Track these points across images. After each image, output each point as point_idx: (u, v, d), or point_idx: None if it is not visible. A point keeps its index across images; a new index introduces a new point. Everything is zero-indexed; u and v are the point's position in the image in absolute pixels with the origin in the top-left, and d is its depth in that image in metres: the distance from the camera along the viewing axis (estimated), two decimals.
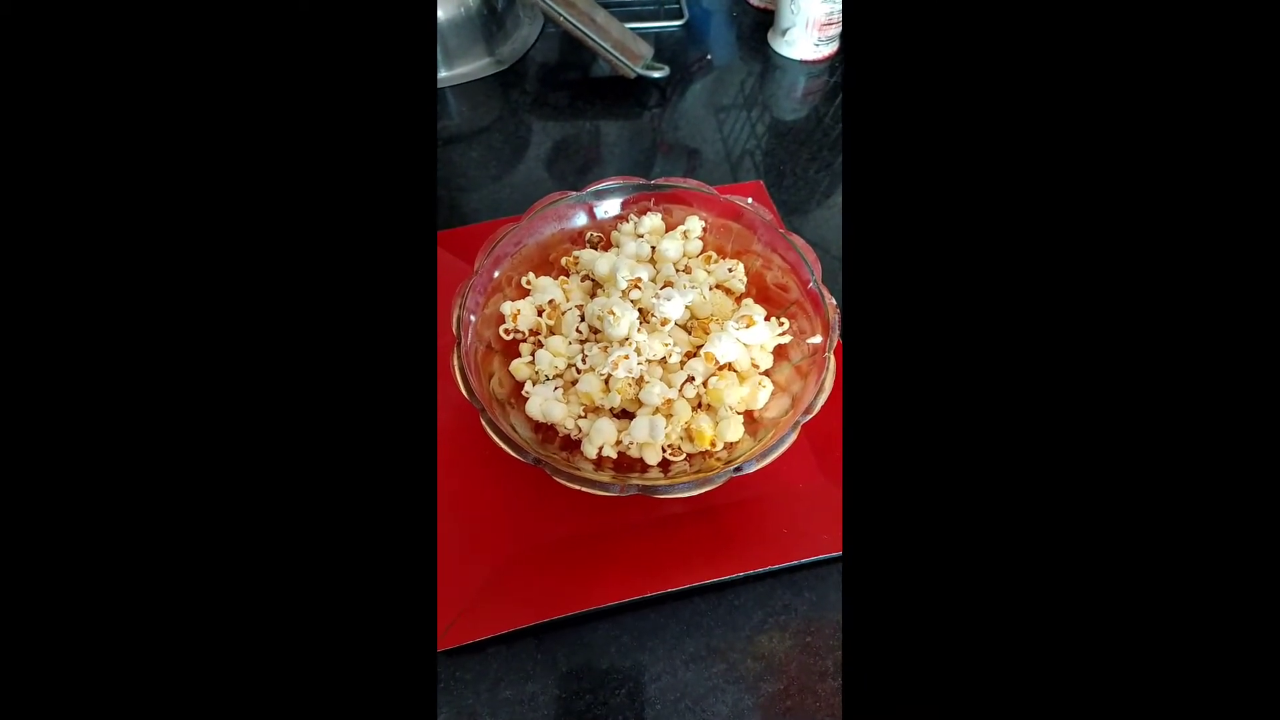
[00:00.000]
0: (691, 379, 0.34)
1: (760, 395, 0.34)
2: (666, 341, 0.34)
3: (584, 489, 0.30)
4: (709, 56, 0.65)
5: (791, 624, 0.34)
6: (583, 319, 0.36)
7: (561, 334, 0.36)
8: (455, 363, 0.32)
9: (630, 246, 0.39)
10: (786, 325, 0.36)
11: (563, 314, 0.37)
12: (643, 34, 0.67)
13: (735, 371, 0.35)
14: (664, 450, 0.33)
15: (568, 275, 0.40)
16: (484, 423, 0.31)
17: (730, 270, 0.38)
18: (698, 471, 0.32)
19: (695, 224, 0.40)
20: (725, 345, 0.33)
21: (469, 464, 0.36)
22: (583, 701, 0.32)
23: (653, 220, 0.40)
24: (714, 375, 0.34)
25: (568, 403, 0.34)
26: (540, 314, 0.37)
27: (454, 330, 0.33)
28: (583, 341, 0.36)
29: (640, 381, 0.33)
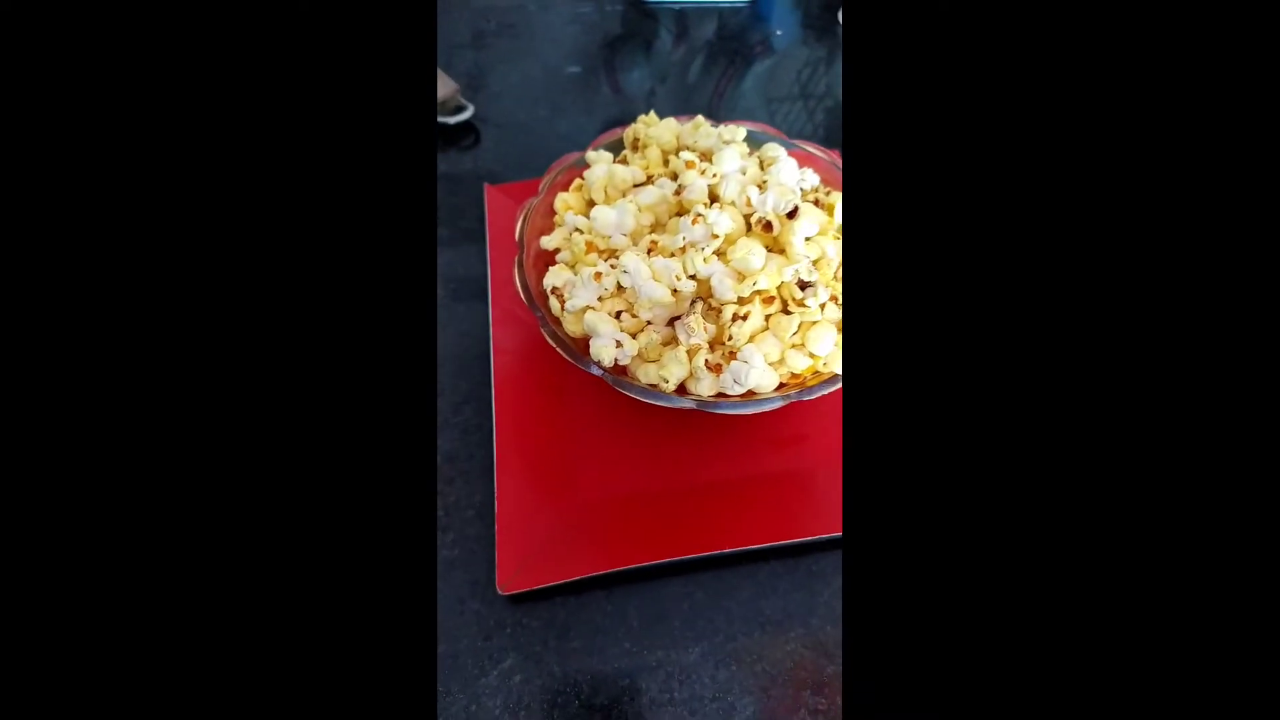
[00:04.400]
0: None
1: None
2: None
3: (642, 398, 0.29)
4: (779, 32, 0.64)
5: None
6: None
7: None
8: (516, 275, 0.31)
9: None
10: None
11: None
12: (705, 11, 0.66)
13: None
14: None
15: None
16: (544, 333, 0.30)
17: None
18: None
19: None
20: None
21: (540, 407, 0.35)
22: (654, 656, 0.30)
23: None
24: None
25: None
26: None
27: (517, 238, 0.33)
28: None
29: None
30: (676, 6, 0.66)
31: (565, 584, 0.31)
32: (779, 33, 0.64)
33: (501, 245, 0.41)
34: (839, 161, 0.38)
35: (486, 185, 0.45)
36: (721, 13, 0.67)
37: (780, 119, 0.59)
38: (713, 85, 0.61)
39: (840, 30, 0.64)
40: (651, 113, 0.37)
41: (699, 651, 0.30)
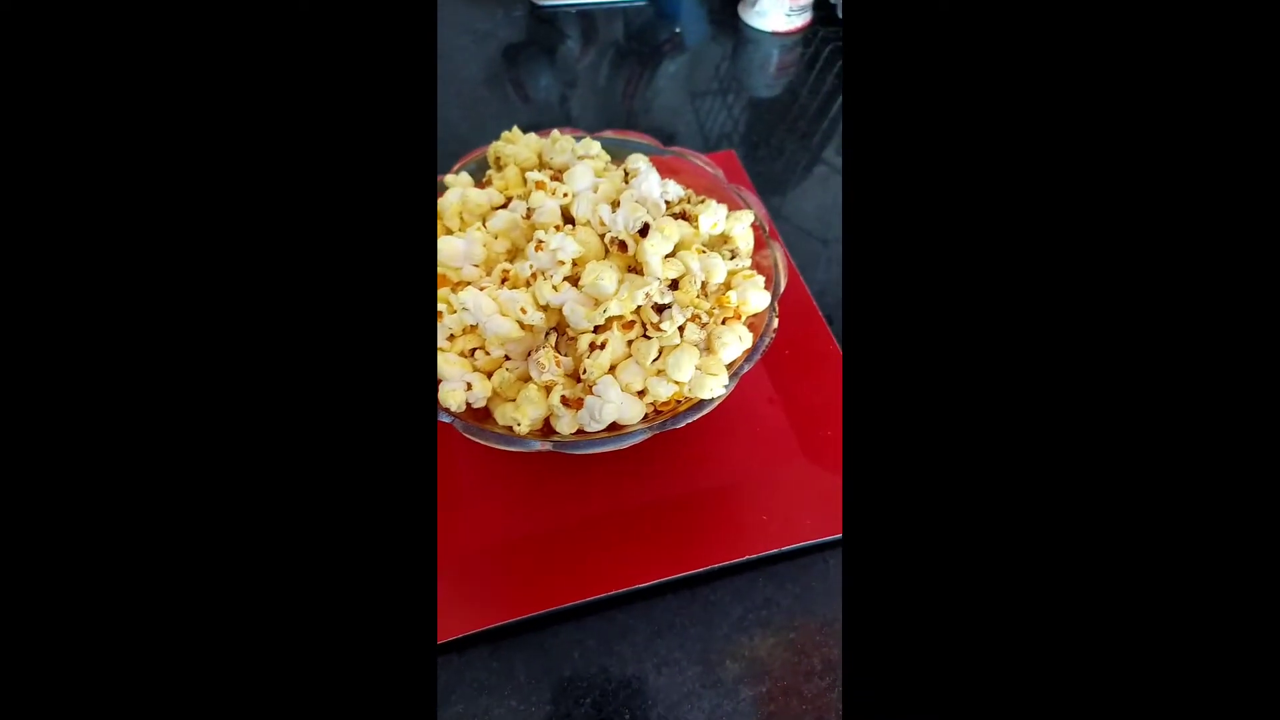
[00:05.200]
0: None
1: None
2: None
3: (494, 445, 0.27)
4: (678, 30, 0.63)
5: (774, 619, 0.31)
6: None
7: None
8: None
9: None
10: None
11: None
12: (608, 13, 0.64)
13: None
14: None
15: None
16: None
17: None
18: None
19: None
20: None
21: None
22: (542, 713, 0.28)
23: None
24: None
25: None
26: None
27: None
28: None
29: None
30: (574, 10, 0.64)
31: (444, 644, 0.29)
32: (677, 30, 0.63)
33: None
34: (716, 167, 0.36)
35: None
36: (625, 13, 0.65)
37: (704, 114, 0.57)
38: (623, 86, 0.59)
39: (741, 23, 0.63)
40: (515, 129, 0.35)
41: (590, 703, 0.28)
